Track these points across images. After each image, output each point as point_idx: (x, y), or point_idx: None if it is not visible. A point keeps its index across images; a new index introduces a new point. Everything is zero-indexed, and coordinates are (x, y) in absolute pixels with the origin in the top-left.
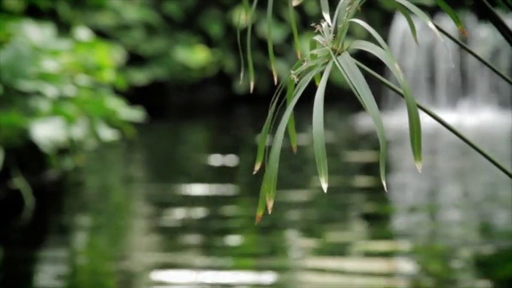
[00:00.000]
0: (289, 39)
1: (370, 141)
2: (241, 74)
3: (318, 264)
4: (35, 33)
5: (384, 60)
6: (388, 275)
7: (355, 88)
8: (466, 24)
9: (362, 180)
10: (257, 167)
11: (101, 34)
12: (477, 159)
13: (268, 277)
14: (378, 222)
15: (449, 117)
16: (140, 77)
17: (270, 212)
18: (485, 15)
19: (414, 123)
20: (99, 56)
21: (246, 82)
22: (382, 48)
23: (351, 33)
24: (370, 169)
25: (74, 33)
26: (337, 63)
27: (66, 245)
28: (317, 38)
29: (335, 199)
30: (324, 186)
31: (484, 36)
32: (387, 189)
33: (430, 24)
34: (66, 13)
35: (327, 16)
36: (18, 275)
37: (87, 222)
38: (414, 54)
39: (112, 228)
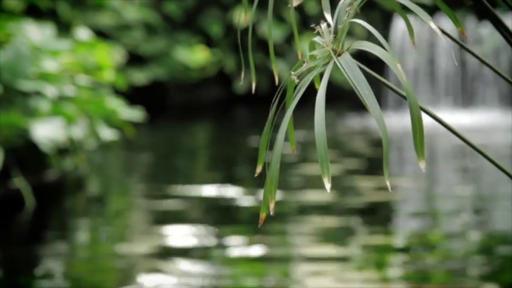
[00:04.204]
0: (289, 39)
1: (366, 139)
2: (242, 74)
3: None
4: (35, 33)
5: (385, 60)
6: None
7: (356, 88)
8: (466, 24)
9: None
10: (258, 169)
11: (101, 34)
12: (478, 160)
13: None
14: (375, 225)
15: (449, 117)
16: (140, 77)
17: (271, 213)
18: (485, 15)
19: (416, 123)
20: (99, 56)
21: (246, 82)
22: (384, 48)
23: (351, 33)
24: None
25: (74, 33)
26: (338, 63)
27: (66, 244)
28: (317, 38)
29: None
30: (327, 186)
31: (484, 36)
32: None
33: (432, 24)
34: (66, 13)
35: (328, 16)
36: (18, 274)
37: (87, 222)
38: (414, 54)
39: (112, 228)
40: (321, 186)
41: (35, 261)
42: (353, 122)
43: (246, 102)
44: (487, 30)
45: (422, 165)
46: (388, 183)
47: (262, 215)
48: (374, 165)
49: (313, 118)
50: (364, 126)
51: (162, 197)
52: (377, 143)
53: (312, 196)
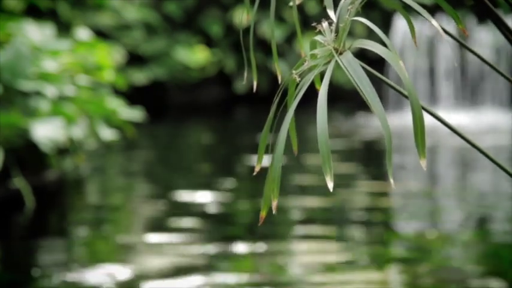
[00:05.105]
0: (289, 39)
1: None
2: (245, 73)
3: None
4: (35, 33)
5: (387, 59)
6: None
7: (358, 87)
8: (466, 24)
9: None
10: (257, 168)
11: (101, 34)
12: (478, 160)
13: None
14: (376, 224)
15: (449, 116)
16: (140, 77)
17: (274, 212)
18: (486, 14)
19: (418, 121)
20: (99, 56)
21: (246, 82)
22: (385, 46)
23: (351, 33)
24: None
25: (74, 33)
26: (340, 62)
27: (65, 244)
28: (318, 37)
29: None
30: (330, 185)
31: (484, 36)
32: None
33: (434, 22)
34: (66, 13)
35: (331, 13)
36: (17, 274)
37: (87, 222)
38: (414, 54)
39: (112, 228)
40: (319, 191)
41: (35, 261)
42: (351, 122)
43: (246, 102)
44: (487, 30)
45: (423, 163)
46: (391, 181)
47: (263, 214)
48: (373, 167)
49: (314, 119)
50: (363, 126)
51: (162, 198)
52: (375, 143)
53: (310, 200)
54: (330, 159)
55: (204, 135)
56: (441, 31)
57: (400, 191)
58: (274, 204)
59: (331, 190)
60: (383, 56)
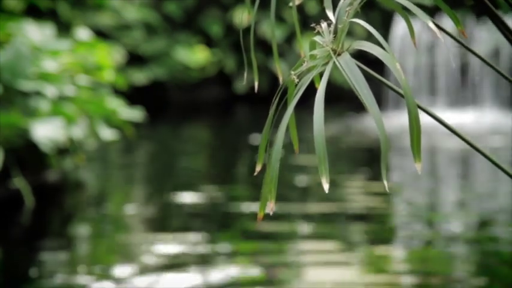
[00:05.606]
0: (289, 40)
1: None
2: (245, 73)
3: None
4: (35, 33)
5: (385, 60)
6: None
7: (355, 88)
8: (466, 25)
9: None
10: (258, 168)
11: (101, 34)
12: (477, 161)
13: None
14: (375, 224)
15: (449, 117)
16: (140, 77)
17: (271, 213)
18: (486, 14)
19: (414, 123)
20: (99, 56)
21: (246, 82)
22: (383, 48)
23: (351, 33)
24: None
25: (74, 33)
26: (337, 63)
27: (65, 244)
28: (317, 38)
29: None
30: (325, 186)
31: (484, 36)
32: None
33: (431, 24)
34: (66, 13)
35: (330, 14)
36: (18, 275)
37: (87, 222)
38: (414, 55)
39: (111, 228)
40: (317, 193)
41: (35, 261)
42: (351, 122)
43: (246, 102)
44: (486, 30)
45: (418, 167)
46: (385, 184)
47: (260, 214)
48: (372, 169)
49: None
50: (362, 127)
51: (162, 198)
52: (374, 144)
53: (309, 203)
54: (326, 160)
55: (204, 135)
56: (438, 33)
57: (399, 192)
58: (271, 204)
59: (326, 191)
60: (380, 57)
